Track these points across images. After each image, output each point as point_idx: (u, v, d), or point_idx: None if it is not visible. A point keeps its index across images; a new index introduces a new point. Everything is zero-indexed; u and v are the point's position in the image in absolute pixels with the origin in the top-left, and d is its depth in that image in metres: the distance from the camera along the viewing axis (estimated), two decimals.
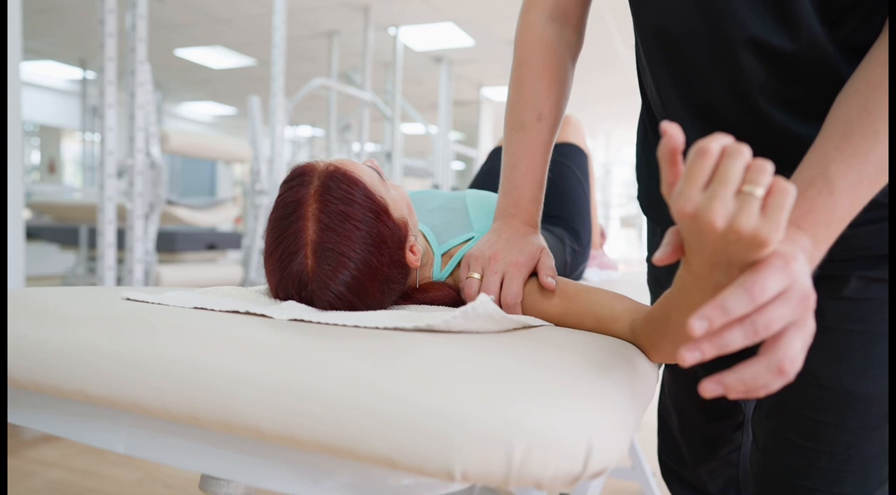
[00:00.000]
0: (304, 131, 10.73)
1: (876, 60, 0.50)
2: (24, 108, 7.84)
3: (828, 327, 0.63)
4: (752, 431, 0.77)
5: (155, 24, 5.13)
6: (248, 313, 0.54)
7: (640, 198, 0.85)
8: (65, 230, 4.17)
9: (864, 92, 0.49)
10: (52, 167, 9.12)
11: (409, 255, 0.65)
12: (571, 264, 1.11)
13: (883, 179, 0.48)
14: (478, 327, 0.50)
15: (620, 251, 10.40)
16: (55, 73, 7.40)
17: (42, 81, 7.71)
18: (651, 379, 0.55)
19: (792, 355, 0.37)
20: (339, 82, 5.19)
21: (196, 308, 0.56)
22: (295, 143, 11.39)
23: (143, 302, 0.58)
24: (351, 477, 0.43)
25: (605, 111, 8.11)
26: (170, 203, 2.85)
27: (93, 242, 3.78)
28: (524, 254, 0.67)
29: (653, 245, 0.90)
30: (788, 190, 0.34)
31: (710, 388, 0.37)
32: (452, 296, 0.71)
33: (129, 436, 0.48)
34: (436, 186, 5.38)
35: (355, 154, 5.03)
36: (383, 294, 0.61)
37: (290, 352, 0.42)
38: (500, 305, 0.65)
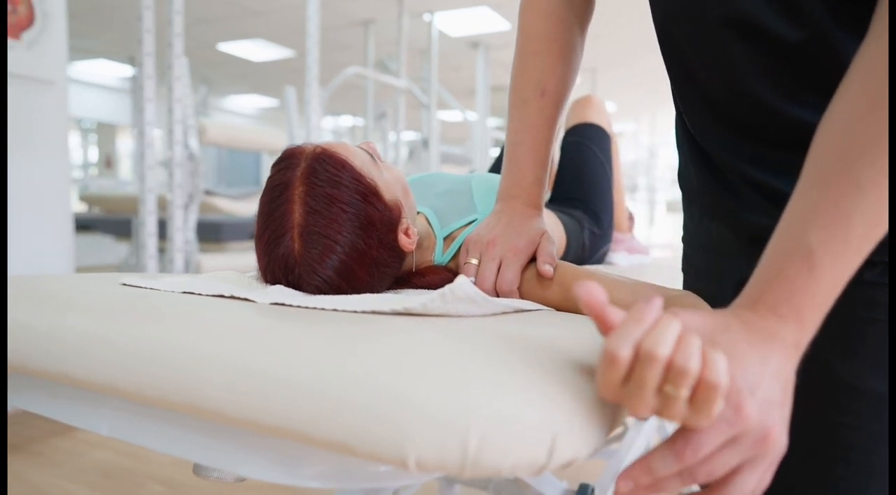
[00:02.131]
0: (346, 121, 10.84)
1: (857, 82, 0.40)
2: (82, 107, 8.22)
3: (847, 316, 0.54)
4: None
5: (197, 20, 5.25)
6: (232, 297, 0.54)
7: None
8: (118, 222, 4.35)
9: (840, 131, 0.40)
10: (108, 162, 9.52)
11: (402, 238, 0.63)
12: (590, 247, 1.08)
13: (878, 232, 0.39)
14: (459, 311, 0.49)
15: (666, 236, 10.12)
16: (109, 72, 7.69)
17: (98, 80, 8.03)
18: None
19: (744, 491, 0.34)
20: (375, 71, 5.20)
21: (185, 292, 0.56)
22: (336, 133, 11.55)
23: (137, 287, 0.58)
24: (331, 464, 0.42)
25: (649, 93, 7.87)
26: (209, 193, 2.92)
27: None
28: (523, 240, 0.65)
29: (686, 224, 0.85)
30: (717, 383, 0.30)
31: (623, 486, 0.35)
32: (449, 278, 0.70)
33: (113, 418, 0.49)
34: (472, 171, 5.33)
35: (391, 142, 5.04)
36: (373, 278, 0.60)
37: (256, 334, 0.42)
38: (497, 292, 0.64)
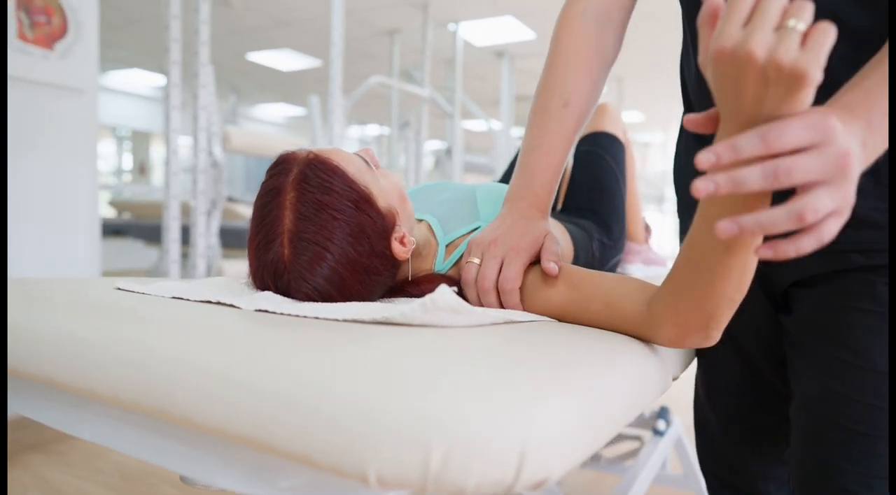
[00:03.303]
0: (372, 130, 10.93)
1: None
2: (118, 115, 8.46)
3: (884, 314, 0.58)
4: (793, 421, 0.69)
5: (227, 30, 5.36)
6: (218, 303, 0.53)
7: (674, 172, 0.81)
8: (149, 227, 4.45)
9: None
10: (142, 169, 9.77)
11: (395, 246, 0.63)
12: (600, 258, 1.06)
13: None
14: (442, 321, 0.47)
15: None
16: (143, 81, 7.90)
17: (132, 89, 8.25)
18: (641, 382, 0.51)
19: (816, 207, 0.36)
20: (400, 80, 5.24)
21: (174, 298, 0.56)
22: (362, 141, 11.63)
23: (130, 291, 0.59)
24: (307, 477, 0.41)
25: (678, 103, 7.75)
26: (231, 200, 2.96)
27: None
28: (526, 239, 0.64)
29: (683, 232, 0.84)
30: (829, 28, 0.35)
31: (724, 226, 0.37)
32: None
33: (96, 423, 0.49)
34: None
35: (415, 151, 5.06)
36: (364, 286, 0.59)
37: (228, 341, 0.41)
38: (498, 290, 0.62)
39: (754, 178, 0.36)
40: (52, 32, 2.36)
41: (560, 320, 0.62)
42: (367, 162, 0.64)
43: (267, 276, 0.57)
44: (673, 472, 1.78)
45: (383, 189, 0.64)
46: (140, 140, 9.57)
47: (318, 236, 0.56)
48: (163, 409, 0.41)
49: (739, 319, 0.76)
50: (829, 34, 0.35)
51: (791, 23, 0.35)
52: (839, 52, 0.52)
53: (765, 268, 0.69)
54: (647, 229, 1.50)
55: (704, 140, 0.71)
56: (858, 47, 0.52)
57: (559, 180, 0.73)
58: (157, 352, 0.41)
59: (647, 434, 1.73)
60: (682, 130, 0.80)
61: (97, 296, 0.53)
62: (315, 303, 0.54)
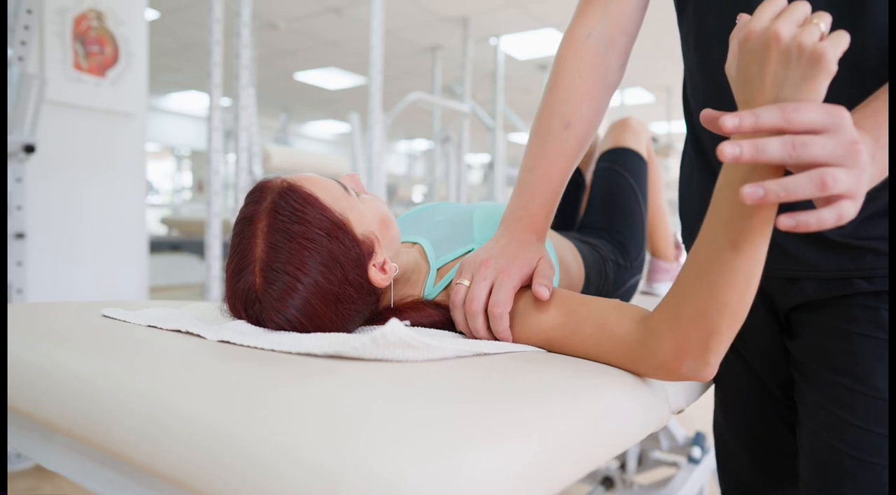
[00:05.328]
0: (420, 144, 11.05)
1: None
2: (177, 135, 8.87)
3: (889, 341, 0.56)
4: (800, 445, 0.66)
5: (275, 52, 5.55)
6: (187, 333, 0.54)
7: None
8: (203, 243, 4.63)
9: None
10: (200, 186, 10.20)
11: (373, 274, 0.61)
12: (615, 281, 1.01)
13: None
14: (397, 356, 0.46)
15: None
16: (201, 103, 8.27)
17: (190, 110, 8.65)
18: (616, 418, 0.47)
19: (835, 175, 0.38)
20: (443, 95, 5.27)
21: (149, 326, 0.57)
22: (410, 156, 11.76)
23: (113, 319, 0.60)
24: None
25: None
26: None
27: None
28: (517, 262, 0.62)
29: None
30: (845, 35, 0.40)
31: (750, 191, 0.39)
32: (432, 316, 0.67)
33: (60, 454, 0.49)
34: None
35: (457, 165, 5.06)
36: (339, 316, 0.58)
37: (167, 374, 0.41)
38: (487, 313, 0.60)
39: (774, 147, 0.39)
40: (104, 61, 2.49)
41: (550, 347, 0.60)
42: (345, 188, 0.64)
43: (238, 304, 0.57)
44: None
45: (362, 215, 0.63)
46: (199, 159, 9.99)
47: (288, 266, 0.56)
48: (104, 444, 0.41)
49: (748, 340, 0.72)
50: (844, 38, 0.40)
51: (815, 20, 0.41)
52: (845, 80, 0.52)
53: (768, 288, 0.65)
54: (678, 246, 1.44)
55: (709, 168, 0.67)
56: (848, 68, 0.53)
57: (557, 202, 0.70)
58: (96, 384, 0.41)
59: (684, 460, 1.65)
60: (685, 164, 0.77)
61: (68, 324, 0.55)
62: (278, 334, 0.54)
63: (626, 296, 1.06)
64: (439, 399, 0.39)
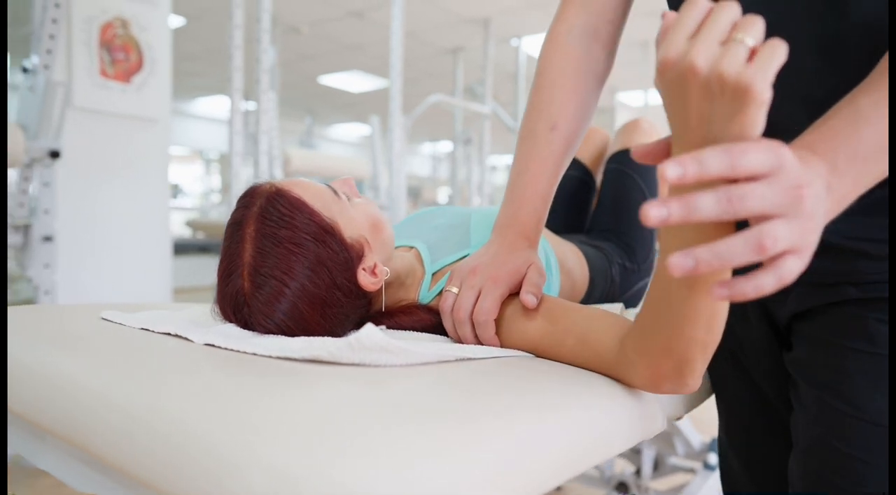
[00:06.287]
0: (445, 146, 11.07)
1: None
2: (205, 139, 9.04)
3: (877, 354, 0.53)
4: (789, 469, 0.63)
5: (298, 57, 5.62)
6: (176, 336, 0.55)
7: None
8: None
9: None
10: (226, 189, 10.41)
11: (363, 277, 0.62)
12: (621, 284, 1.00)
13: None
14: (374, 360, 0.46)
15: None
16: (227, 106, 8.42)
17: (217, 115, 8.80)
18: (593, 429, 0.47)
19: (775, 234, 0.33)
20: (464, 96, 5.27)
21: (142, 329, 0.58)
22: (434, 158, 11.74)
23: (110, 322, 0.61)
24: None
25: None
26: None
27: None
28: (505, 269, 0.62)
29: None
30: (779, 45, 0.34)
31: (678, 262, 0.34)
32: (424, 320, 0.67)
33: (53, 453, 0.51)
34: None
35: (476, 167, 5.05)
36: (327, 320, 0.59)
37: (145, 376, 0.42)
38: (473, 321, 0.60)
39: (708, 204, 0.33)
40: (129, 67, 2.56)
41: (537, 353, 0.59)
42: (335, 192, 0.64)
43: (228, 308, 0.58)
44: None
45: (352, 219, 0.63)
46: (227, 162, 10.16)
47: (275, 270, 0.56)
48: (84, 444, 0.42)
49: (749, 353, 0.69)
50: (778, 50, 0.33)
51: (739, 36, 0.34)
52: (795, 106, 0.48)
53: (763, 299, 0.63)
54: None
55: None
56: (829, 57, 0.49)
57: (548, 206, 0.70)
58: (78, 383, 0.42)
59: (700, 466, 1.62)
60: None
61: (66, 327, 0.56)
62: (263, 337, 0.54)
63: (634, 300, 1.05)
64: (408, 405, 0.39)
